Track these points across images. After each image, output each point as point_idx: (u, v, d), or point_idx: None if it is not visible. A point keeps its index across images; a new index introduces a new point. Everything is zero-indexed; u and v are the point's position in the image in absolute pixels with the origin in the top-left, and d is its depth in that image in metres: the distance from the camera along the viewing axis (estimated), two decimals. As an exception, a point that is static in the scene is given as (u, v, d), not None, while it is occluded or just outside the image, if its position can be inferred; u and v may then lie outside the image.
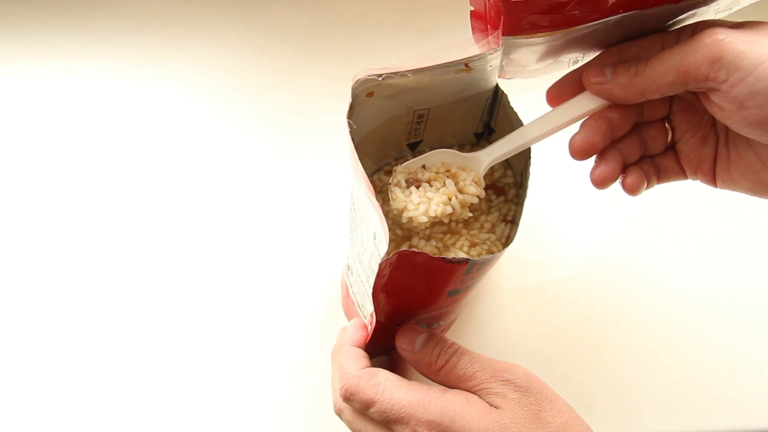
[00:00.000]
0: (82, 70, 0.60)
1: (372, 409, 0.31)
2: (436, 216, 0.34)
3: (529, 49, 0.33)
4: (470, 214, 0.36)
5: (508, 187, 0.43)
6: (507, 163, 0.43)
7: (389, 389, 0.31)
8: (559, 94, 0.36)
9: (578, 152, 0.34)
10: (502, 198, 0.42)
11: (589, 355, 0.47)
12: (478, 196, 0.36)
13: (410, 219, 0.34)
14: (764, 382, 0.46)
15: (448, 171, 0.36)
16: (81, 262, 0.51)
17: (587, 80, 0.34)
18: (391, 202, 0.35)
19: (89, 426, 0.45)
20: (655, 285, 0.50)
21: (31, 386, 0.46)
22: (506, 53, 0.33)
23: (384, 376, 0.32)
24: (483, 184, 0.36)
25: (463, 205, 0.35)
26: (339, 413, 0.34)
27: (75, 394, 0.46)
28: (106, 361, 0.47)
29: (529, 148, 0.37)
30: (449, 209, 0.34)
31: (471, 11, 0.34)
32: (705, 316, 0.48)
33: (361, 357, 0.34)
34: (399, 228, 0.41)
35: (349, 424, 0.33)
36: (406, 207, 0.34)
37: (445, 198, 0.35)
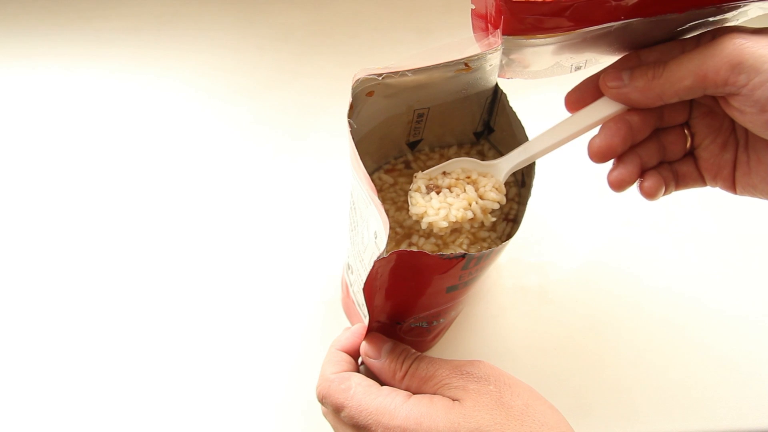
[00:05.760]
0: (82, 70, 0.60)
1: (342, 414, 0.31)
2: (456, 221, 0.34)
3: (530, 50, 0.33)
4: (493, 219, 0.36)
5: (509, 186, 0.43)
6: None
7: (358, 395, 0.31)
8: (578, 99, 0.35)
9: (597, 155, 0.34)
10: (503, 197, 0.42)
11: (588, 356, 0.47)
12: (498, 202, 0.35)
13: (430, 224, 0.34)
14: (764, 383, 0.46)
15: (468, 177, 0.36)
16: (81, 262, 0.51)
17: (604, 84, 0.33)
18: (410, 207, 0.35)
19: (90, 426, 0.45)
20: (654, 287, 0.50)
21: (31, 386, 0.46)
22: (506, 53, 0.33)
23: (356, 381, 0.32)
24: (504, 191, 0.36)
25: (484, 210, 0.35)
26: (324, 414, 0.35)
27: (76, 394, 0.46)
28: (108, 362, 0.47)
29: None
30: (470, 214, 0.34)
31: (472, 10, 0.34)
32: (704, 316, 0.48)
33: (341, 361, 0.34)
34: (399, 226, 0.41)
35: (328, 420, 0.34)
36: (426, 212, 0.34)
37: (465, 203, 0.35)
